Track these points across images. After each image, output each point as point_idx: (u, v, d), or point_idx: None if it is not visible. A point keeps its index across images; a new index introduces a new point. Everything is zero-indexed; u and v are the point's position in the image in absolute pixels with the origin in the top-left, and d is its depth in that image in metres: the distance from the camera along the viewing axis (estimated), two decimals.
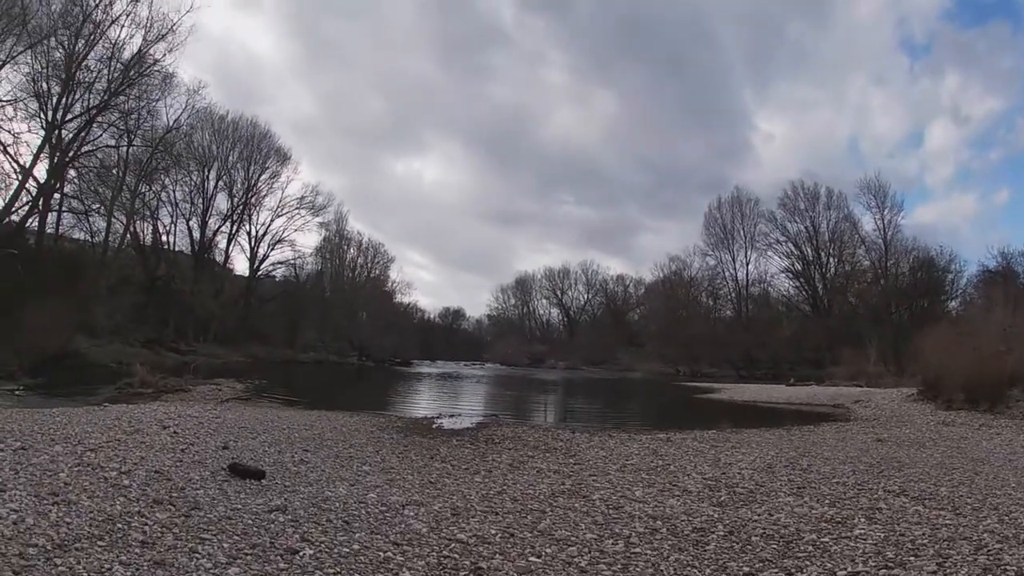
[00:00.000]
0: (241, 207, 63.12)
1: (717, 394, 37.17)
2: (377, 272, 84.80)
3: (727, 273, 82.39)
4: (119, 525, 5.33)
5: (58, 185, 36.90)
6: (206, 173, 59.85)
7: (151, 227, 53.59)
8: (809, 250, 74.01)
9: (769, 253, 78.14)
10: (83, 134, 37.05)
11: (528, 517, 7.11)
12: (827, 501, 8.10)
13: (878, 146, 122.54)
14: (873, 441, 14.74)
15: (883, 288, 63.75)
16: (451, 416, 19.53)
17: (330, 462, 9.66)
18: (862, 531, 6.64)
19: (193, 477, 7.47)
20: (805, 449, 13.00)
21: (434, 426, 16.58)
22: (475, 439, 13.69)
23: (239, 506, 6.44)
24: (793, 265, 75.69)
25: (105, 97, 36.69)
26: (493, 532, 6.39)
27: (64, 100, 35.37)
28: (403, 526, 6.39)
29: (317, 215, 68.23)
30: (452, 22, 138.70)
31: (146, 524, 5.46)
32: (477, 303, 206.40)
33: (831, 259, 73.24)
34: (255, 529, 5.73)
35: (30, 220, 35.50)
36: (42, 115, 34.73)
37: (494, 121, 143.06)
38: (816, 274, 74.31)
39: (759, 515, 7.35)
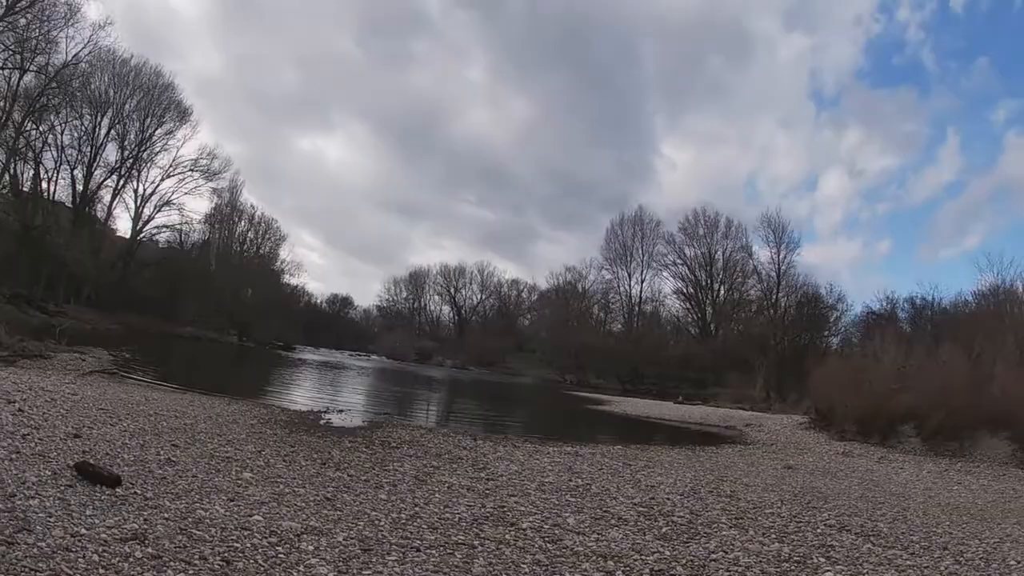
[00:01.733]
0: (131, 161, 59.15)
1: (609, 406, 37.05)
2: (267, 249, 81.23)
3: (622, 288, 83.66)
4: None
5: None
6: (98, 119, 55.64)
7: (32, 171, 49.58)
8: (703, 275, 76.11)
9: (664, 274, 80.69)
10: None
11: (457, 555, 5.88)
12: (773, 535, 7.57)
13: (775, 185, 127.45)
14: (783, 468, 14.62)
15: (770, 318, 65.39)
16: (339, 412, 18.42)
17: (203, 464, 8.16)
18: (829, 574, 6.23)
19: (29, 478, 5.86)
20: (720, 473, 12.68)
21: (322, 422, 15.36)
22: (370, 441, 12.47)
23: (83, 530, 4.89)
24: (687, 288, 77.50)
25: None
26: None
27: None
28: (302, 569, 5.01)
29: (210, 180, 64.63)
30: (379, 1, 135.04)
31: None
32: (367, 292, 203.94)
33: (722, 286, 75.25)
34: (101, 573, 4.27)
35: None
36: None
37: (407, 110, 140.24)
38: (707, 299, 76.00)
39: (713, 553, 6.60)
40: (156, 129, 59.91)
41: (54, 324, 30.03)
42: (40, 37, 36.44)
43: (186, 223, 65.31)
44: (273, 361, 45.94)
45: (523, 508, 7.97)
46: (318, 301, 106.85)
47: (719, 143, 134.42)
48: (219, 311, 65.83)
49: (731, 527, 7.80)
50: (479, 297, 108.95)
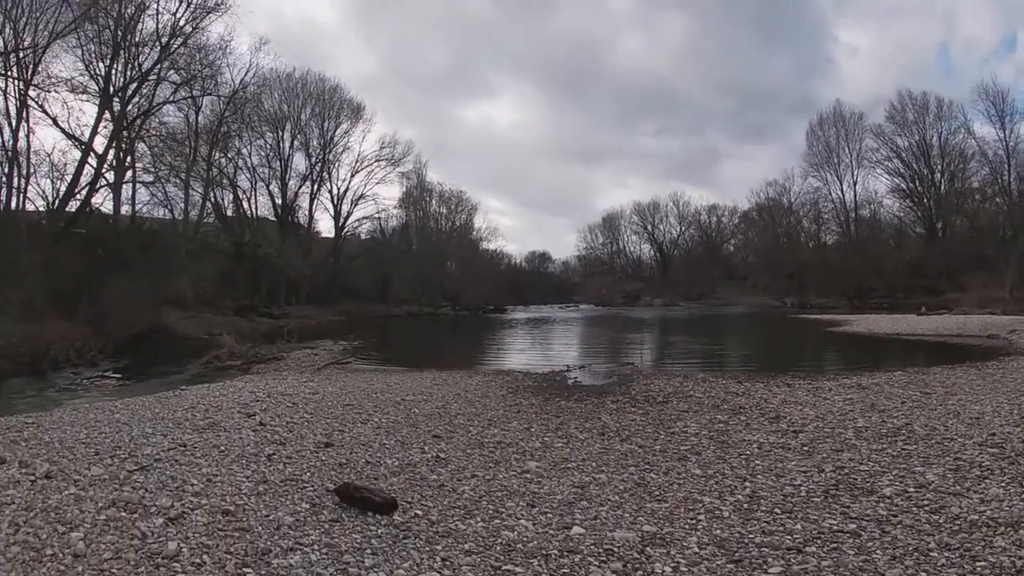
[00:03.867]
0: (319, 165, 61.06)
1: (848, 327, 33.17)
2: (461, 221, 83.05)
3: (833, 194, 75.50)
4: None
5: (127, 160, 34.58)
6: (280, 134, 57.68)
7: (231, 195, 52.02)
8: (921, 166, 67.28)
9: (878, 171, 70.95)
10: (138, 98, 34.22)
11: (846, 549, 4.25)
12: None
13: (969, 53, 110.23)
14: None
15: (1010, 207, 57.27)
16: (581, 368, 17.11)
17: (476, 456, 6.84)
18: None
19: (283, 520, 4.62)
20: None
21: (569, 382, 14.04)
22: (632, 399, 10.96)
23: None
24: (904, 183, 68.98)
25: (158, 57, 33.70)
26: None
27: (115, 66, 32.42)
28: None
29: (397, 166, 65.69)
30: None
31: None
32: (563, 244, 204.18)
33: (943, 177, 66.59)
34: None
35: (102, 199, 33.37)
36: (95, 85, 31.93)
37: (561, 56, 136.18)
38: (929, 193, 67.79)
39: None
40: (335, 130, 61.50)
41: (281, 326, 30.85)
42: (204, 69, 37.29)
43: (383, 211, 67.23)
44: (490, 325, 45.70)
45: (865, 467, 6.25)
46: (517, 261, 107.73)
47: (898, 15, 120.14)
48: (429, 286, 67.45)
49: None
50: (678, 229, 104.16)
